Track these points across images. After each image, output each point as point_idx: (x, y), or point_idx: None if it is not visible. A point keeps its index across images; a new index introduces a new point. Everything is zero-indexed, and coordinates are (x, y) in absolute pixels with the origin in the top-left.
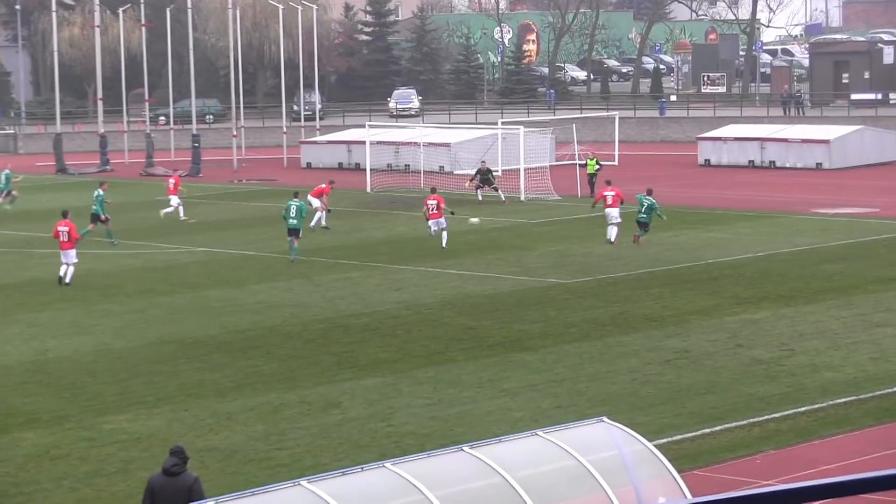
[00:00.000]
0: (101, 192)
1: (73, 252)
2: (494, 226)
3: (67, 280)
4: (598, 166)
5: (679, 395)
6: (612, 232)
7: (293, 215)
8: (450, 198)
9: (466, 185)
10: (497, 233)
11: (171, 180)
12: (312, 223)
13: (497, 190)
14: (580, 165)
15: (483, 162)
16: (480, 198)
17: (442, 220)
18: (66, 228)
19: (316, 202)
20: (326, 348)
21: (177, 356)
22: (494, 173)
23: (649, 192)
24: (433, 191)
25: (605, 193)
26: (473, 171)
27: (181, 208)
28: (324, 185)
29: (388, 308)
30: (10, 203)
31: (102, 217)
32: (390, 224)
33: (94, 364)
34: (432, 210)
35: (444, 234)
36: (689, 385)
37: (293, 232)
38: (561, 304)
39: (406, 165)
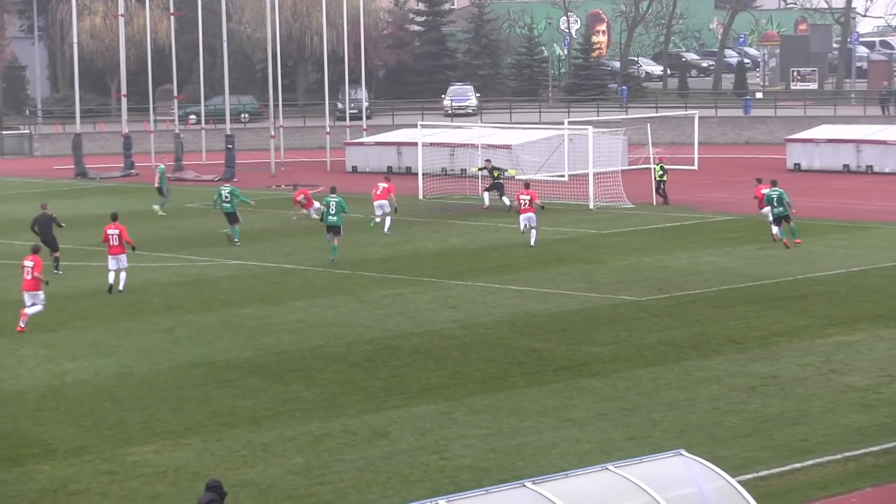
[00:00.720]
0: (233, 187)
1: (123, 257)
2: (559, 237)
3: (120, 287)
4: (662, 172)
5: (766, 426)
6: (776, 230)
7: (333, 212)
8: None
9: (473, 169)
10: (562, 245)
11: (301, 195)
12: (387, 228)
13: (502, 194)
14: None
15: (488, 160)
16: (487, 203)
17: (533, 216)
18: (117, 231)
19: (386, 205)
20: (373, 372)
21: (207, 381)
22: (504, 172)
23: (774, 184)
24: (527, 186)
25: (765, 191)
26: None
27: (313, 214)
28: (385, 184)
29: (442, 328)
30: (162, 206)
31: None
32: (444, 234)
33: (117, 389)
34: (524, 205)
35: (534, 232)
36: (776, 415)
37: (333, 230)
38: (634, 324)
39: (462, 170)
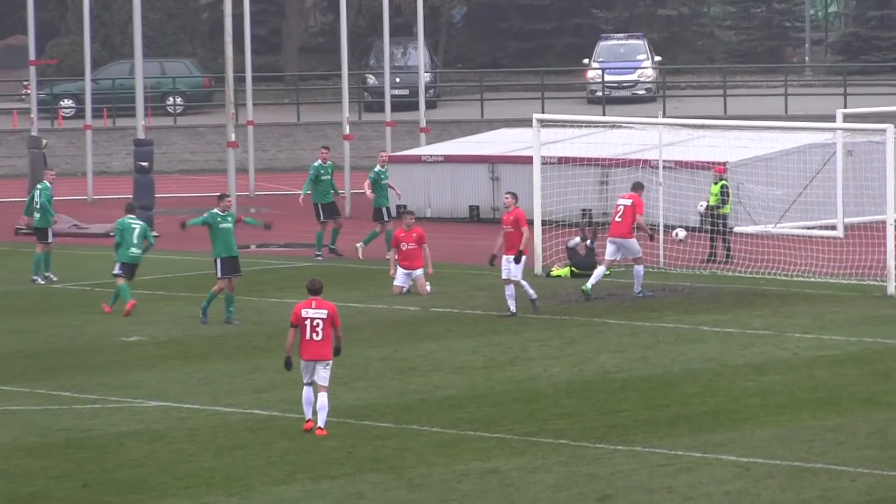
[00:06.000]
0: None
1: None
2: (823, 352)
3: None
4: (722, 197)
5: None
6: None
7: (135, 241)
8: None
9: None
10: (829, 367)
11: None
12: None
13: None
14: None
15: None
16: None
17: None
18: None
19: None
20: None
21: None
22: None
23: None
24: (638, 187)
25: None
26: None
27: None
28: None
29: None
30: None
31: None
32: (586, 347)
33: None
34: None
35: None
36: None
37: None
38: None
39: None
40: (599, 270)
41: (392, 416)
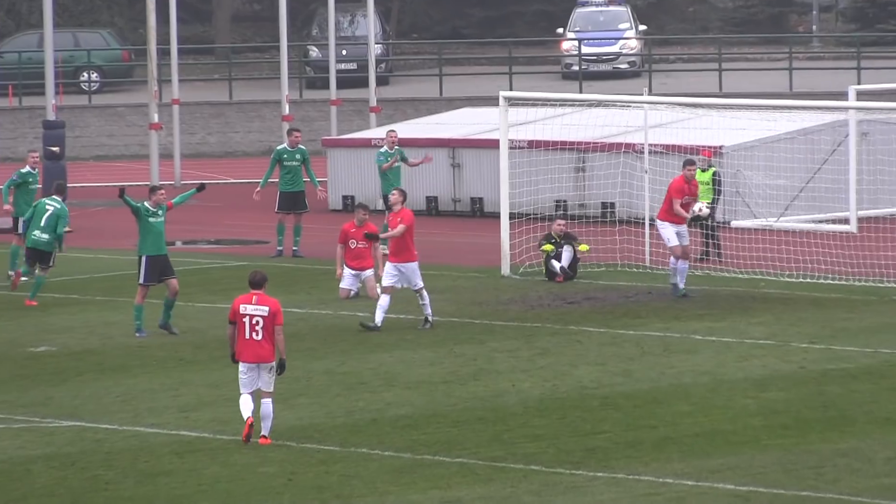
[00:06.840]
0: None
1: None
2: (833, 365)
3: None
4: (714, 186)
5: None
6: None
7: (42, 224)
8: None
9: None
10: (841, 382)
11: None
12: (378, 318)
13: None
14: None
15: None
16: None
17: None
18: None
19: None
20: None
21: None
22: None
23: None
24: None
25: None
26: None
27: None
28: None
29: None
30: None
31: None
32: (560, 358)
33: None
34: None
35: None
36: None
37: (37, 255)
38: None
39: (607, 205)
40: (678, 264)
41: (338, 437)
